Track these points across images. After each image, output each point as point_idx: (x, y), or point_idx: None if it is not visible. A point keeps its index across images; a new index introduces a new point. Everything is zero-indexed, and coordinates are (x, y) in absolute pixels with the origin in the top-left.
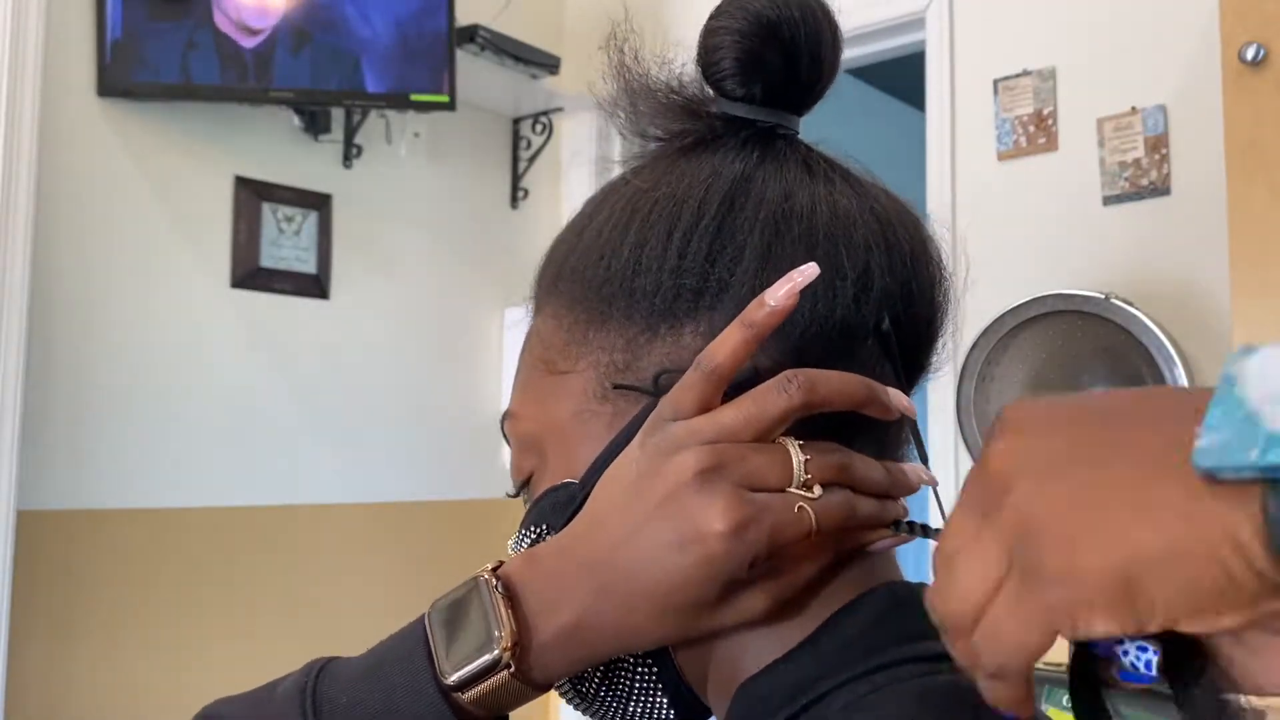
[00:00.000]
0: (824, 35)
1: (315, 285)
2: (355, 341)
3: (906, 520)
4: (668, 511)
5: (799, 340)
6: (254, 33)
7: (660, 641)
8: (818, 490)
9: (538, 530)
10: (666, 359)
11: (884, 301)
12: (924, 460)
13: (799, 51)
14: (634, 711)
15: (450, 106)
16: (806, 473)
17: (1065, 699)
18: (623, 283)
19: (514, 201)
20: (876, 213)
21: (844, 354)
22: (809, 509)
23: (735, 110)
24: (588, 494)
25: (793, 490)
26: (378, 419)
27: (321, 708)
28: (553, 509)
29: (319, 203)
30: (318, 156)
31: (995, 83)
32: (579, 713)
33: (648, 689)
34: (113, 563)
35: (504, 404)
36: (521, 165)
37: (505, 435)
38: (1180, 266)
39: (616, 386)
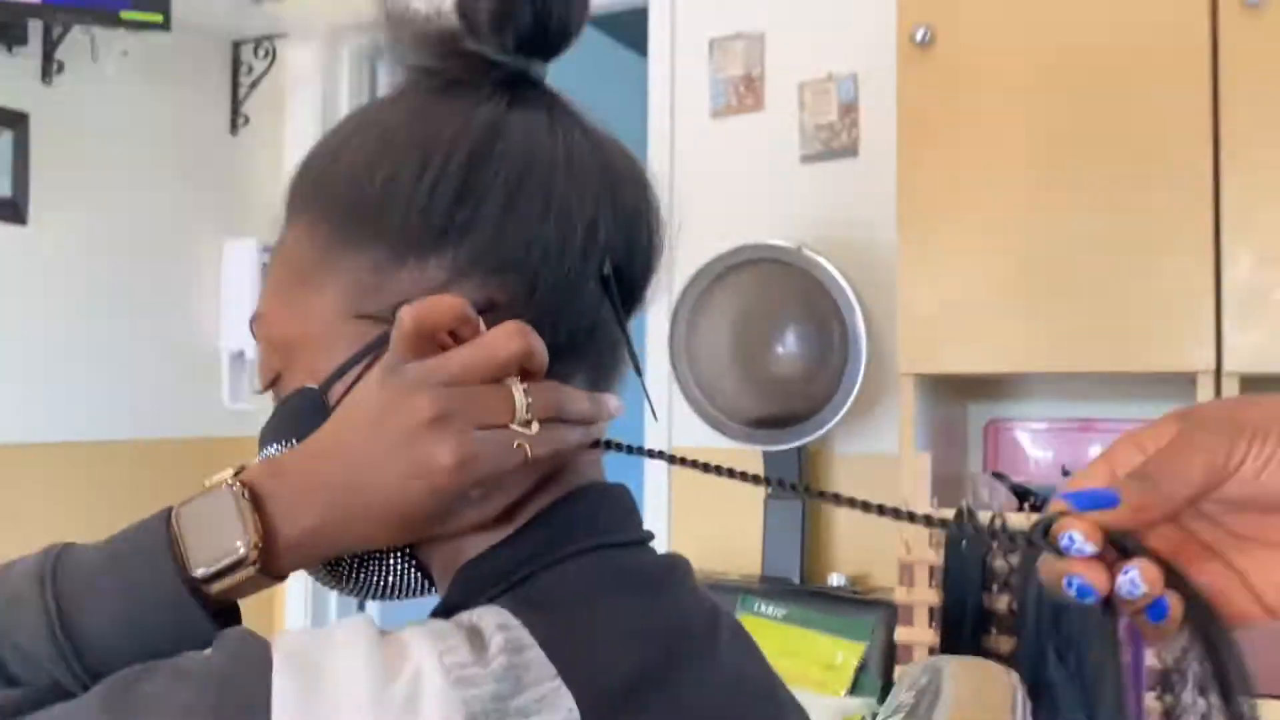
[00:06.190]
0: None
1: (11, 210)
2: (57, 272)
3: (606, 440)
4: (404, 446)
5: (532, 278)
6: None
7: (392, 544)
8: (535, 426)
9: (284, 443)
10: (413, 287)
11: (608, 251)
12: (639, 374)
13: (549, 10)
14: (389, 583)
15: (164, 26)
16: (528, 413)
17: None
18: (373, 211)
19: (234, 128)
20: (608, 169)
21: (570, 294)
22: (526, 444)
23: (487, 53)
24: (328, 403)
25: (514, 427)
26: (81, 353)
27: (62, 588)
28: (295, 413)
29: (13, 121)
30: (12, 71)
31: (711, 42)
32: (335, 592)
33: (399, 565)
34: None
35: (222, 340)
36: (242, 91)
37: (254, 334)
38: (862, 222)
39: (359, 316)
